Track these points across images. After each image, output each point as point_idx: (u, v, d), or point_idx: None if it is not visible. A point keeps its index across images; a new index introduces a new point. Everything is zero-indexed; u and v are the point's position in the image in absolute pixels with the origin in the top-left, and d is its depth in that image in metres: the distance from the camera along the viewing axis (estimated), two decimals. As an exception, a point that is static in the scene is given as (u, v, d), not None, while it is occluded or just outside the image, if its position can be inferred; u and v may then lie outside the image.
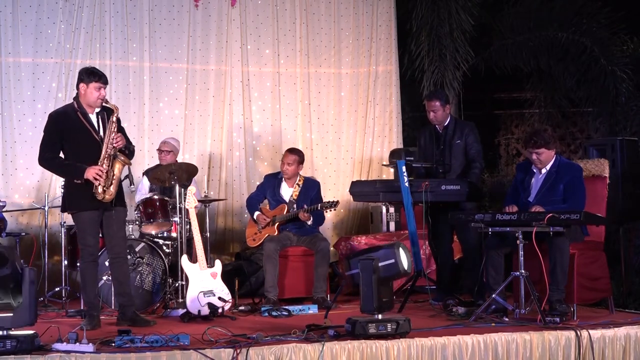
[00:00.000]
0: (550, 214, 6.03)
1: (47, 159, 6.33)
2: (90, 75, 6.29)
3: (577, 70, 9.77)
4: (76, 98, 6.37)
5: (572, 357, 5.58)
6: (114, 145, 6.19)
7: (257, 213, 7.91)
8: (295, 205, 7.82)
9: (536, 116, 10.68)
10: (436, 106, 7.49)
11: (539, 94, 10.64)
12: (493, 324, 5.96)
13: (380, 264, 5.56)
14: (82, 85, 6.31)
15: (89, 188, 6.17)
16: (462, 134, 7.47)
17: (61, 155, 6.34)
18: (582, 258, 6.47)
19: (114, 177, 6.20)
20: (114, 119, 6.27)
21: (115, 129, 6.25)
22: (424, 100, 7.71)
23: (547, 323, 5.87)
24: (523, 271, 6.17)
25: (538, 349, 5.54)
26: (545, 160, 6.57)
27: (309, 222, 7.77)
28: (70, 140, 6.30)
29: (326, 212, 7.87)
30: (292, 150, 8.06)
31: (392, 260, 5.63)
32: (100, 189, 6.15)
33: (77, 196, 6.30)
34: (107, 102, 6.38)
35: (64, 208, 6.49)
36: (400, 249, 5.72)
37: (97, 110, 6.32)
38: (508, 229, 6.27)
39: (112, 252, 6.46)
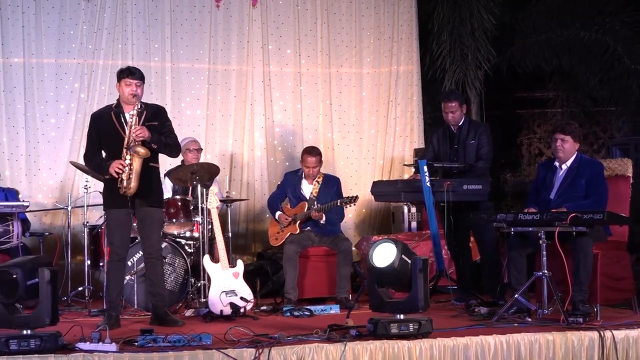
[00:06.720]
0: (573, 214, 5.99)
1: (86, 158, 6.52)
2: (121, 72, 6.36)
3: (600, 69, 9.70)
4: (118, 98, 6.45)
5: (595, 358, 5.55)
6: (134, 138, 6.16)
7: (278, 213, 7.88)
8: (315, 202, 7.79)
9: (558, 115, 10.61)
10: (454, 107, 7.43)
11: (561, 93, 10.58)
12: (515, 324, 5.94)
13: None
14: (117, 84, 6.42)
15: (116, 186, 6.23)
16: (475, 134, 7.41)
17: (103, 154, 6.45)
18: (606, 258, 6.43)
19: (132, 171, 6.17)
20: (134, 112, 6.22)
21: (136, 122, 6.20)
22: (441, 100, 7.64)
23: (570, 323, 5.83)
24: (546, 271, 6.13)
25: (561, 350, 5.51)
26: (568, 150, 6.55)
27: (322, 221, 7.69)
28: (104, 140, 6.41)
29: (346, 207, 7.77)
30: (312, 152, 7.88)
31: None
32: (124, 182, 6.19)
33: (107, 194, 6.46)
34: (136, 99, 6.25)
35: None
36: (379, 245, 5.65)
37: (137, 108, 6.25)
38: (530, 229, 6.24)
39: (146, 252, 6.54)
